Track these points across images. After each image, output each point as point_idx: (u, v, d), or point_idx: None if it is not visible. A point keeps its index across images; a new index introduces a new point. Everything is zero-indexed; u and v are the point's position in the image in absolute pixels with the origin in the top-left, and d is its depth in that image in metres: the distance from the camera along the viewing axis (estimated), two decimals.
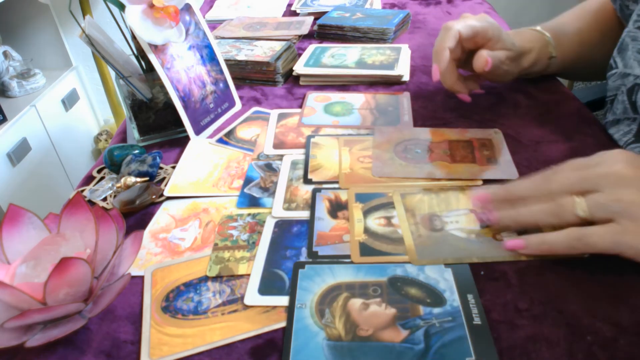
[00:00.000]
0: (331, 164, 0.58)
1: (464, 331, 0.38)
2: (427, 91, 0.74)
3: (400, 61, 0.79)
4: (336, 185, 0.55)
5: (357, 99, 0.72)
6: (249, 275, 0.45)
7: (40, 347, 0.38)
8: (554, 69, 0.70)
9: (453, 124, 0.64)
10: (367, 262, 0.45)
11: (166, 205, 0.55)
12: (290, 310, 0.41)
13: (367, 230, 0.48)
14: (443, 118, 0.66)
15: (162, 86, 0.64)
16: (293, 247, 0.47)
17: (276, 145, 0.63)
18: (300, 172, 0.57)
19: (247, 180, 0.57)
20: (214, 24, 1.03)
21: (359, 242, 0.47)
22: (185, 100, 0.65)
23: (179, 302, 0.43)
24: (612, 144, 0.59)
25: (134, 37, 0.62)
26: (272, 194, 0.54)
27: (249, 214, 0.52)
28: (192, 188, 0.57)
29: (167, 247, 0.49)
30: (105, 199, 0.57)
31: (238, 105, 0.73)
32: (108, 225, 0.44)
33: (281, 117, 0.69)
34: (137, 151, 0.61)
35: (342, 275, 0.43)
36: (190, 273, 0.46)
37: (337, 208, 0.51)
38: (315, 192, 0.54)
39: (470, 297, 0.41)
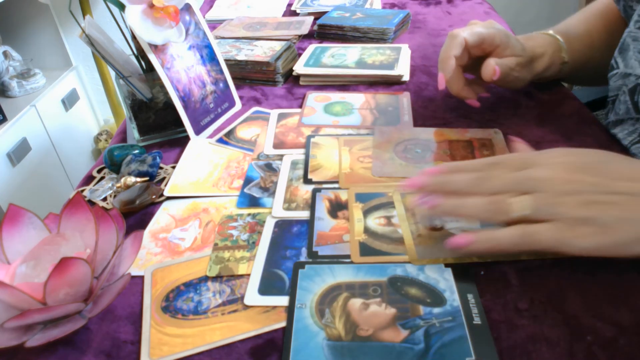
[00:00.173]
0: (331, 163, 0.58)
1: (464, 331, 0.38)
2: (427, 91, 0.74)
3: (400, 61, 0.79)
4: (336, 185, 0.55)
5: (357, 99, 0.72)
6: (249, 275, 0.45)
7: (40, 347, 0.38)
8: (565, 73, 0.69)
9: (453, 124, 0.64)
10: (367, 261, 0.45)
11: (166, 205, 0.55)
12: (290, 310, 0.41)
13: (367, 230, 0.48)
14: (443, 118, 0.66)
15: (162, 86, 0.64)
16: (293, 247, 0.47)
17: (276, 145, 0.63)
18: (300, 172, 0.57)
19: (247, 180, 0.57)
20: (214, 24, 1.03)
21: (359, 241, 0.47)
22: (185, 100, 0.65)
23: (179, 302, 0.43)
24: (612, 143, 0.59)
25: (134, 37, 0.62)
26: (272, 194, 0.54)
27: (249, 214, 0.52)
28: (192, 188, 0.57)
29: (167, 247, 0.49)
30: (105, 199, 0.57)
31: (238, 105, 0.73)
32: (108, 225, 0.44)
33: (281, 117, 0.69)
34: (137, 151, 0.61)
35: (342, 275, 0.43)
36: (190, 273, 0.46)
37: (337, 208, 0.51)
38: (315, 192, 0.54)
39: (470, 296, 0.41)
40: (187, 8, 0.66)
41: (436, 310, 0.40)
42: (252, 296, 0.43)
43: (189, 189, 0.57)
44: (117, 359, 0.39)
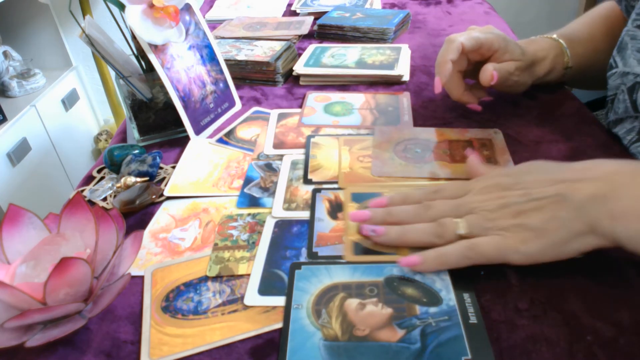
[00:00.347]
0: (331, 164, 0.58)
1: (460, 330, 0.38)
2: (427, 91, 0.74)
3: (400, 61, 0.79)
4: (336, 186, 0.55)
5: (357, 99, 0.72)
6: (249, 275, 0.45)
7: (40, 347, 0.38)
8: (569, 77, 0.69)
9: (453, 124, 0.64)
10: (360, 261, 0.45)
11: (166, 205, 0.55)
12: (286, 311, 0.41)
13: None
14: (443, 118, 0.66)
15: (162, 86, 0.64)
16: (293, 248, 0.47)
17: (276, 145, 0.63)
18: (300, 172, 0.57)
19: (247, 180, 0.57)
20: (214, 24, 1.03)
21: (352, 241, 0.47)
22: (185, 100, 0.65)
23: (179, 302, 0.43)
24: (612, 143, 0.59)
25: (134, 37, 0.62)
26: (272, 194, 0.54)
27: (249, 214, 0.52)
28: (192, 188, 0.57)
29: (167, 247, 0.49)
30: (105, 199, 0.57)
31: (238, 105, 0.73)
32: (108, 225, 0.44)
33: (281, 117, 0.69)
34: (137, 151, 0.61)
35: (339, 275, 0.43)
36: (190, 273, 0.46)
37: (337, 209, 0.51)
38: (315, 192, 0.54)
39: (466, 296, 0.41)
40: (187, 8, 0.66)
41: (432, 309, 0.40)
42: (252, 296, 0.43)
43: (189, 189, 0.57)
44: (117, 359, 0.39)
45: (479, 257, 0.41)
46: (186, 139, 0.66)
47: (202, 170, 0.60)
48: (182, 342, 0.40)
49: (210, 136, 0.67)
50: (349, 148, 0.61)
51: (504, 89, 0.65)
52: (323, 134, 0.64)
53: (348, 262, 0.45)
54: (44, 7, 1.72)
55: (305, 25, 0.97)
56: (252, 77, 0.80)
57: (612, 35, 0.69)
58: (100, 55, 0.62)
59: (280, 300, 0.42)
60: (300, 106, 0.72)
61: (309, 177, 0.56)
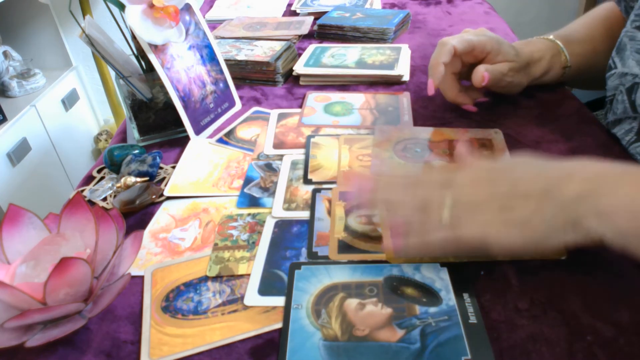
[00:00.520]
0: (331, 164, 0.58)
1: (459, 330, 0.38)
2: (427, 91, 0.73)
3: (400, 61, 0.79)
4: (336, 185, 0.55)
5: (357, 99, 0.72)
6: (249, 275, 0.45)
7: (40, 347, 0.38)
8: (568, 77, 0.69)
9: (453, 124, 0.65)
10: (345, 259, 0.45)
11: (166, 205, 0.55)
12: (286, 311, 0.41)
13: (347, 228, 0.48)
14: (443, 118, 0.66)
15: (162, 86, 0.64)
16: (293, 248, 0.47)
17: (276, 145, 0.63)
18: (300, 172, 0.57)
19: (247, 180, 0.57)
20: (214, 24, 1.03)
21: (337, 239, 0.47)
22: (185, 100, 0.65)
23: (179, 302, 0.43)
24: (611, 143, 0.59)
25: (134, 37, 0.62)
26: (272, 194, 0.54)
27: (249, 214, 0.52)
28: (192, 188, 0.57)
29: (167, 247, 0.49)
30: (105, 199, 0.57)
31: (238, 105, 0.73)
32: (108, 225, 0.44)
33: (281, 117, 0.69)
34: (137, 151, 0.61)
35: (339, 275, 0.43)
36: (190, 273, 0.46)
37: None
38: (315, 192, 0.54)
39: (466, 296, 0.41)
40: (187, 8, 0.66)
41: (432, 309, 0.40)
42: (252, 296, 0.43)
43: (189, 189, 0.57)
44: (117, 359, 0.39)
45: (462, 242, 0.41)
46: (186, 139, 0.66)
47: (202, 170, 0.60)
48: (182, 342, 0.40)
49: (210, 136, 0.67)
50: (349, 147, 0.61)
51: (498, 90, 0.65)
52: (323, 134, 0.64)
53: (349, 262, 0.45)
54: (44, 7, 1.72)
55: (305, 25, 0.97)
56: (252, 77, 0.80)
57: (612, 35, 0.69)
58: (100, 55, 0.62)
59: (280, 301, 0.42)
60: (300, 106, 0.72)
61: (309, 177, 0.56)
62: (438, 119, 0.66)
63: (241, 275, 0.45)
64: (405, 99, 0.71)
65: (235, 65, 0.80)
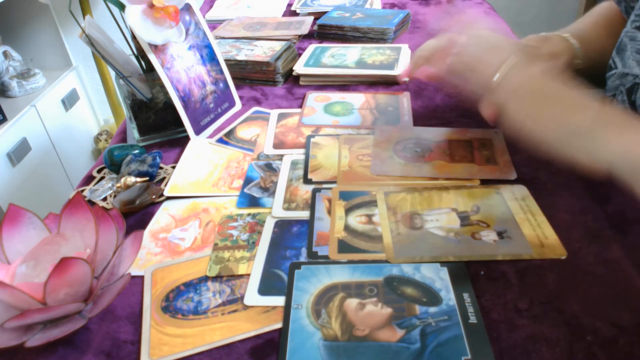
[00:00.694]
0: (331, 163, 0.58)
1: (459, 330, 0.38)
2: (427, 91, 0.74)
3: (400, 61, 0.79)
4: (336, 185, 0.55)
5: (357, 98, 0.72)
6: (249, 275, 0.45)
7: (40, 347, 0.38)
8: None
9: (453, 123, 0.64)
10: (345, 259, 0.45)
11: (166, 205, 0.55)
12: (286, 311, 0.41)
13: (347, 228, 0.48)
14: (443, 118, 0.66)
15: (162, 86, 0.64)
16: (293, 247, 0.47)
17: (276, 145, 0.63)
18: (300, 172, 0.57)
19: (247, 180, 0.57)
20: (214, 24, 1.03)
21: (337, 239, 0.47)
22: (185, 100, 0.65)
23: (179, 302, 0.43)
24: None
25: (134, 37, 0.62)
26: (272, 194, 0.54)
27: (249, 214, 0.52)
28: (192, 188, 0.57)
29: (167, 247, 0.49)
30: (105, 199, 0.57)
31: (238, 105, 0.73)
32: (108, 225, 0.44)
33: (281, 117, 0.69)
34: (137, 151, 0.61)
35: (338, 275, 0.43)
36: (190, 273, 0.46)
37: None
38: (315, 192, 0.54)
39: (466, 296, 0.41)
40: (187, 8, 0.66)
41: (432, 309, 0.40)
42: (252, 296, 0.43)
43: (189, 189, 0.57)
44: (117, 359, 0.39)
45: (491, 116, 0.48)
46: (186, 139, 0.66)
47: (202, 170, 0.60)
48: (182, 342, 0.40)
49: (210, 136, 0.67)
50: (349, 147, 0.61)
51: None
52: (323, 134, 0.64)
53: (349, 262, 0.45)
54: (44, 7, 1.72)
55: (305, 25, 0.97)
56: (252, 77, 0.80)
57: (614, 35, 0.68)
58: (100, 55, 0.62)
59: (280, 300, 0.42)
60: (300, 106, 0.72)
61: (309, 177, 0.56)
62: (438, 119, 0.66)
63: (241, 275, 0.45)
64: (405, 99, 0.71)
65: (235, 65, 0.80)
